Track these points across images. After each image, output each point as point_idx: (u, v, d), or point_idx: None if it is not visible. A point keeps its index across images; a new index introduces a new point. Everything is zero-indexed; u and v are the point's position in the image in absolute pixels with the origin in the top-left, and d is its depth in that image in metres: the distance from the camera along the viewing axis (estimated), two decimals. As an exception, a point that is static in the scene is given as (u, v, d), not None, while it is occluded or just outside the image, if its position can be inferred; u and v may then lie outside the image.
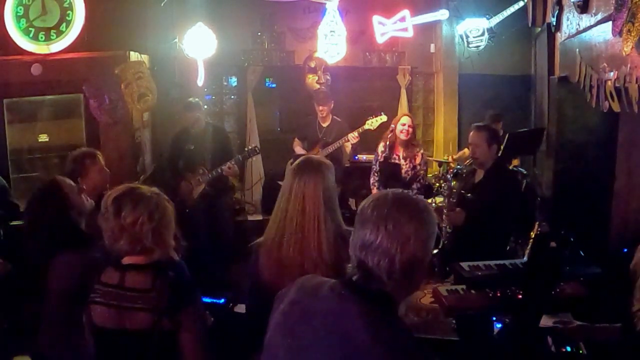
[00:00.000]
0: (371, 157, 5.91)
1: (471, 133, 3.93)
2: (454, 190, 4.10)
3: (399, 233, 1.36)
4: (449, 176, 4.13)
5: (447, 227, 3.95)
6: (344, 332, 1.36)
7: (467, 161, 4.05)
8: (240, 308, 3.26)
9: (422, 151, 5.14)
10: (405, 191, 1.51)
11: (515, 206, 3.85)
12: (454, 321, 3.33)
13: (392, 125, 5.05)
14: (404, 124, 4.98)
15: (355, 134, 5.39)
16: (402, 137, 4.97)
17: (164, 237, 2.03)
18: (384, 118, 5.43)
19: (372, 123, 5.45)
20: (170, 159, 5.24)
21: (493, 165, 3.84)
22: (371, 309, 1.37)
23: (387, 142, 5.06)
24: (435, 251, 2.67)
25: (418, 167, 5.04)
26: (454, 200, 4.02)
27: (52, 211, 2.44)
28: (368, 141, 5.68)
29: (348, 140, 5.41)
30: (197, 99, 5.16)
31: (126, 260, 2.00)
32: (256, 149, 5.22)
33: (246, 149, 5.38)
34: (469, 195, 3.90)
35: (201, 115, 5.04)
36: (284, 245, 2.11)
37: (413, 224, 1.37)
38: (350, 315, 1.37)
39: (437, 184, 5.24)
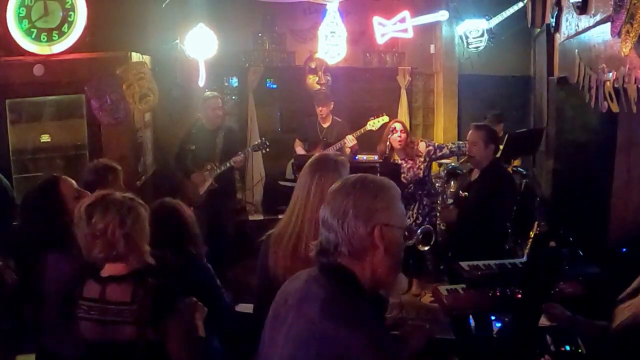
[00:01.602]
0: (371, 157, 5.92)
1: (470, 132, 3.96)
2: (452, 190, 4.13)
3: (339, 207, 1.45)
4: (442, 173, 4.15)
5: (441, 224, 3.97)
6: (304, 306, 1.44)
7: (463, 160, 4.06)
8: (241, 307, 3.27)
9: (420, 140, 4.91)
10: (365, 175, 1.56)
11: (509, 206, 3.87)
12: (454, 320, 3.35)
13: (392, 126, 4.99)
14: (395, 130, 4.79)
15: (351, 137, 5.39)
16: (397, 145, 4.78)
17: (137, 242, 2.01)
18: (385, 119, 5.45)
19: (374, 124, 5.46)
20: (179, 155, 5.31)
21: (489, 165, 3.86)
22: (331, 284, 1.44)
23: (387, 145, 5.01)
24: (426, 248, 2.69)
25: (434, 150, 4.77)
26: (448, 199, 4.05)
27: (45, 211, 2.43)
28: (369, 142, 5.70)
29: (345, 144, 5.43)
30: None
31: (105, 271, 2.00)
32: (265, 142, 5.28)
33: (256, 142, 5.45)
34: (465, 194, 3.93)
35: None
36: (303, 244, 2.08)
37: (352, 197, 1.45)
38: (313, 289, 1.46)
39: (437, 184, 5.25)
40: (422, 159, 4.78)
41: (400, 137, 4.77)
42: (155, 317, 1.90)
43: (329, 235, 1.45)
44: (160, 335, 1.91)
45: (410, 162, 4.81)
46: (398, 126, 4.81)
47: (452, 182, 4.16)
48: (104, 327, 1.94)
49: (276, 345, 1.48)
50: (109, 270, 2.00)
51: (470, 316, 3.41)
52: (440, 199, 4.05)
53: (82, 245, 1.99)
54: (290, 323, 1.45)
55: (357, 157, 5.98)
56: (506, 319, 3.53)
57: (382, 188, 1.49)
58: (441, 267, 4.50)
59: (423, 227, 2.57)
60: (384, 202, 1.46)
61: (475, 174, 3.95)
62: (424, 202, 4.85)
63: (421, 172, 4.78)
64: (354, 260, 1.44)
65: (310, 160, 2.27)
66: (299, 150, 5.78)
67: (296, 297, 1.48)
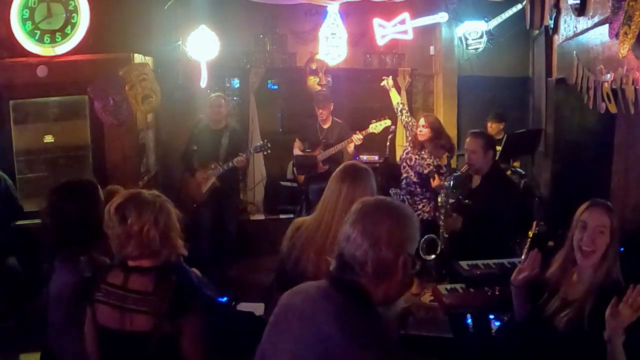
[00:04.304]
0: (372, 157, 5.95)
1: (467, 139, 3.97)
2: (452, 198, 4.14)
3: (373, 230, 1.49)
4: (446, 183, 4.15)
5: (444, 232, 3.99)
6: (313, 322, 1.47)
7: (464, 167, 4.08)
8: (243, 306, 3.29)
9: (446, 155, 4.81)
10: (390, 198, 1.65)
11: (511, 211, 3.89)
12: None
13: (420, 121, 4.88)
14: (419, 125, 4.82)
15: (360, 136, 5.43)
16: (420, 138, 4.80)
17: (171, 239, 2.06)
18: (387, 122, 5.48)
19: (376, 127, 5.50)
20: (185, 155, 5.38)
21: (489, 171, 3.87)
22: (343, 300, 1.48)
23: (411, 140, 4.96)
24: (432, 257, 2.70)
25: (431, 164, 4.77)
26: (451, 207, 4.06)
27: (79, 209, 2.34)
28: (369, 142, 5.73)
29: (352, 142, 5.46)
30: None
31: (132, 262, 2.03)
32: (267, 144, 5.35)
33: (258, 144, 5.50)
34: (466, 201, 3.95)
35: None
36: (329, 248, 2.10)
37: (387, 224, 1.50)
38: (323, 305, 1.50)
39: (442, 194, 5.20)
40: (430, 161, 4.75)
41: (421, 131, 4.78)
42: (173, 311, 1.92)
43: (355, 253, 1.49)
44: (175, 330, 1.93)
45: (418, 156, 4.76)
46: (422, 121, 4.82)
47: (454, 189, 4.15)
48: (121, 314, 1.96)
49: (279, 357, 1.52)
50: (136, 262, 2.03)
51: (469, 315, 3.43)
52: (443, 208, 4.05)
53: (113, 244, 2.02)
54: (298, 336, 1.48)
55: (357, 157, 6.02)
56: (505, 318, 3.55)
57: (411, 218, 1.56)
58: (443, 272, 4.51)
59: (426, 236, 2.58)
60: (412, 233, 1.54)
61: (476, 181, 3.95)
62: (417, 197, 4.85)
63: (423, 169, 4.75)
64: (373, 280, 1.50)
65: (341, 168, 2.34)
66: (296, 150, 5.83)
67: (303, 312, 1.52)
